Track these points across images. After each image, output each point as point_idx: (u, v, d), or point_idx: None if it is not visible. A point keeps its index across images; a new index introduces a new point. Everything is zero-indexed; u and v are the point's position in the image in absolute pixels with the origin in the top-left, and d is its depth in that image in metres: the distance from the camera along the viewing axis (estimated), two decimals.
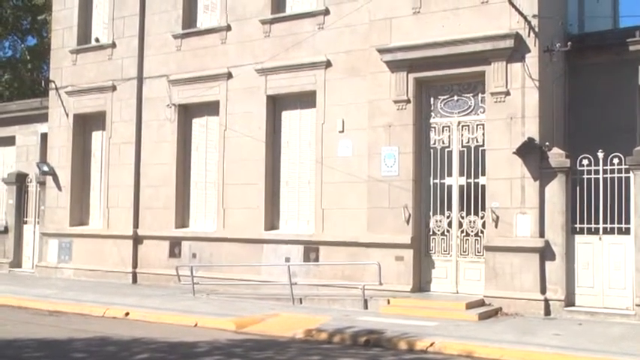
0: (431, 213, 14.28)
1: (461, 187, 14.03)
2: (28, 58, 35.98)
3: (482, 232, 13.66)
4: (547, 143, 13.00)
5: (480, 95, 13.89)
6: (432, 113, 14.40)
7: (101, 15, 19.81)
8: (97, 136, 19.78)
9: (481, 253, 13.61)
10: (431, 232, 14.26)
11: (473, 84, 13.96)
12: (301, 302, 14.35)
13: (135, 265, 18.21)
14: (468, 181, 13.96)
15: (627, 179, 12.48)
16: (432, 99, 14.42)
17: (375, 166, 14.51)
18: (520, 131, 13.06)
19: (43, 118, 21.06)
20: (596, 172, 12.71)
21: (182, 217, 17.80)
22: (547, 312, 12.66)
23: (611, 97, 14.61)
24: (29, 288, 16.70)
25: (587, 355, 9.43)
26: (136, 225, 18.28)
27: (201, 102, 17.43)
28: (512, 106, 13.18)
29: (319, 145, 15.62)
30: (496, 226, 13.24)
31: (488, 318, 12.42)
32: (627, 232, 12.41)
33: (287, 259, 15.53)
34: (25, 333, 11.27)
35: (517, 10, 12.94)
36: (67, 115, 19.78)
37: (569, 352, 9.58)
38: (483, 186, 13.61)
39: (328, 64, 15.53)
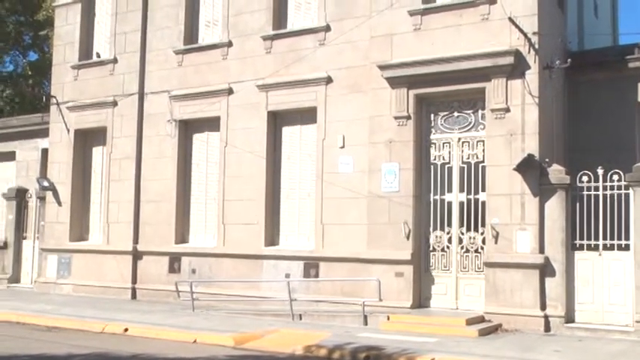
0: (431, 229, 14.28)
1: (461, 204, 14.04)
2: (30, 73, 36.07)
3: (482, 248, 13.65)
4: (547, 160, 13.03)
5: (480, 112, 13.94)
6: (433, 129, 14.44)
7: (103, 31, 19.91)
8: (97, 152, 19.81)
9: (481, 269, 13.60)
10: (431, 248, 14.25)
11: (473, 100, 14.01)
12: (301, 318, 14.31)
13: (134, 280, 18.16)
14: (468, 197, 13.97)
15: (627, 196, 12.49)
16: (432, 115, 14.46)
17: (376, 182, 14.53)
18: (520, 147, 13.09)
19: (43, 133, 21.12)
20: (596, 188, 12.72)
21: (182, 232, 17.78)
22: (547, 328, 12.63)
23: (610, 113, 14.69)
24: (28, 303, 16.64)
25: None
26: (135, 240, 18.25)
27: (202, 118, 17.48)
28: (512, 123, 13.22)
29: (320, 161, 15.62)
30: (496, 242, 13.23)
31: (488, 334, 12.38)
32: (627, 248, 12.40)
33: (287, 275, 15.49)
34: (24, 349, 11.22)
35: (517, 27, 13.00)
36: (68, 130, 19.82)
37: None
38: (483, 202, 13.62)
39: (329, 80, 15.58)
